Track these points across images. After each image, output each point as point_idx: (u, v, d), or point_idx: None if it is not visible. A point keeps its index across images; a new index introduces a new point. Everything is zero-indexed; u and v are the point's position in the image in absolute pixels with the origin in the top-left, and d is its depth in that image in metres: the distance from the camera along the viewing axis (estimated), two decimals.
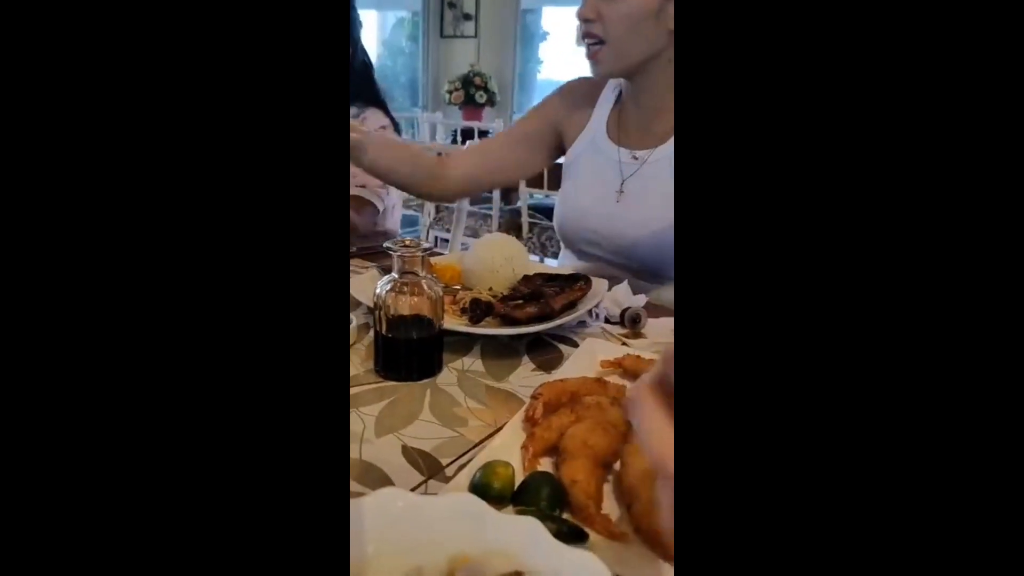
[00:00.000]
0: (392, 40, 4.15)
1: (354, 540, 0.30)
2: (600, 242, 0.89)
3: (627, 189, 0.86)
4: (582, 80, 0.94)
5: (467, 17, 3.69)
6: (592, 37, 0.79)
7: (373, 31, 4.06)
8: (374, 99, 1.21)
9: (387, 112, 1.21)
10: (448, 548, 0.29)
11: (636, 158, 0.85)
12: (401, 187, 0.96)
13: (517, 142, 0.97)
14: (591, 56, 0.81)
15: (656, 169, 0.84)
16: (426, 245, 0.55)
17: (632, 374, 0.54)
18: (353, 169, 1.12)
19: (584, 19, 0.79)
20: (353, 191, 1.16)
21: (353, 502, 0.30)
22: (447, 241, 2.31)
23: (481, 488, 0.36)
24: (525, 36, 3.90)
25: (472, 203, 2.75)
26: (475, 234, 2.60)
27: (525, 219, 2.71)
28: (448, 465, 0.42)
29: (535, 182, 2.71)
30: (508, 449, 0.42)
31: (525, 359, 0.60)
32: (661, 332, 0.69)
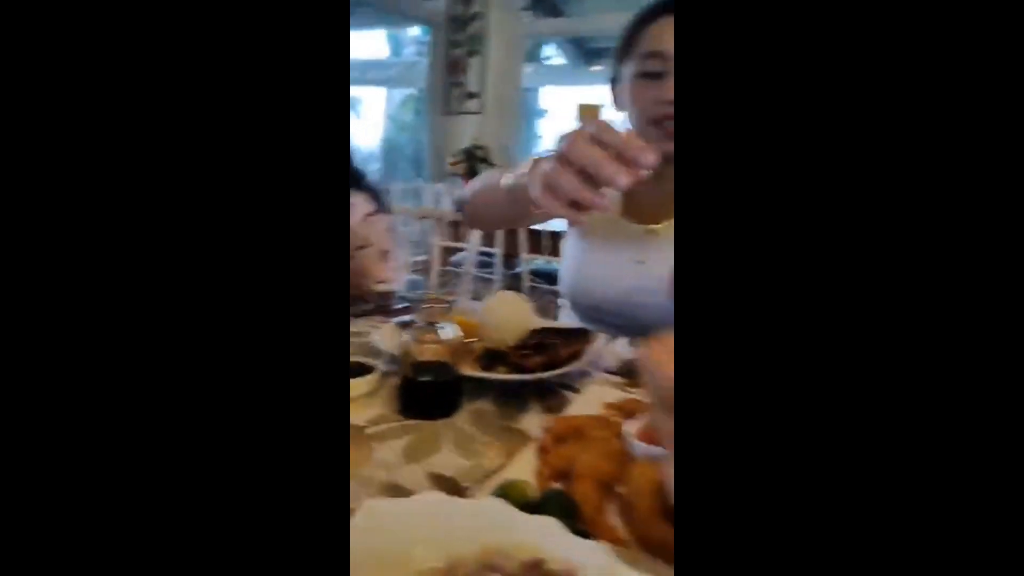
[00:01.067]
0: (399, 116, 4.40)
1: (396, 535, 0.35)
2: (616, 310, 0.93)
3: (648, 260, 0.89)
4: None
5: (471, 95, 3.93)
6: (672, 118, 0.84)
7: (381, 107, 4.31)
8: (357, 184, 1.17)
9: (374, 195, 1.19)
10: (479, 541, 0.35)
11: (652, 231, 0.90)
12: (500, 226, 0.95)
13: None
14: (670, 133, 0.85)
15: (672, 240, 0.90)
16: (449, 299, 0.63)
17: (631, 416, 0.61)
18: (355, 233, 1.16)
19: (671, 101, 0.83)
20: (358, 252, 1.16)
21: (394, 501, 0.36)
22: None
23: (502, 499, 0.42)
24: (525, 113, 4.14)
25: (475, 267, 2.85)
26: (478, 298, 2.68)
27: (526, 283, 2.80)
28: (469, 488, 0.48)
29: (535, 247, 2.82)
30: (523, 474, 0.48)
31: (533, 403, 0.66)
32: None
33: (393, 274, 1.22)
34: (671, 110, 0.83)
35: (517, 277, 2.87)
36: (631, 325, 0.93)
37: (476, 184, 0.84)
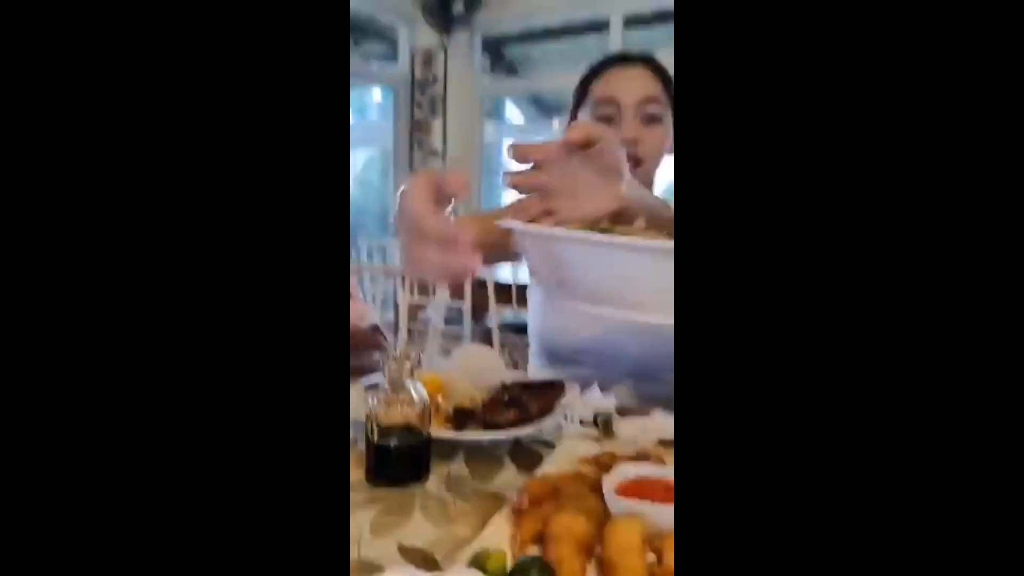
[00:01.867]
0: (365, 176, 4.44)
1: None
2: (589, 353, 0.94)
3: None
4: None
5: (433, 153, 4.00)
6: (632, 159, 0.87)
7: (351, 168, 4.37)
8: None
9: None
10: None
11: None
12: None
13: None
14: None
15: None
16: (414, 355, 0.61)
17: (607, 469, 0.59)
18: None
19: (627, 141, 0.87)
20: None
21: None
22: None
23: (476, 571, 0.39)
24: (487, 168, 4.22)
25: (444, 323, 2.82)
26: (447, 354, 2.64)
27: (497, 337, 2.78)
28: (442, 560, 0.45)
29: (504, 299, 2.82)
30: (498, 539, 0.45)
31: (507, 462, 0.64)
32: (632, 431, 0.74)
33: (364, 309, 1.22)
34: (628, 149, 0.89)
35: (487, 331, 2.85)
36: (607, 367, 0.93)
37: None
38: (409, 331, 2.72)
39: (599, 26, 3.45)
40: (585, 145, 0.51)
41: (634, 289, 0.37)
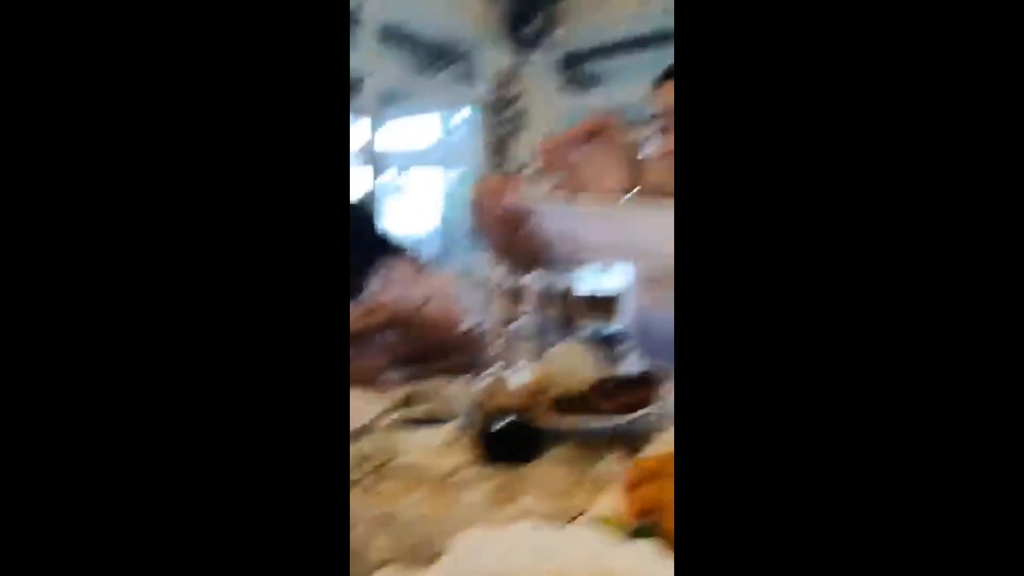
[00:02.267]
0: (455, 192, 4.62)
1: (496, 564, 0.36)
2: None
3: None
4: None
5: (518, 168, 4.11)
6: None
7: (439, 186, 4.57)
8: (398, 254, 1.21)
9: (415, 262, 1.21)
10: (584, 568, 0.35)
11: None
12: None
13: None
14: None
15: None
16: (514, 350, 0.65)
17: None
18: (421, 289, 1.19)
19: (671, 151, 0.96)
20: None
21: (491, 531, 0.37)
22: None
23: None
24: None
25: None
26: (539, 358, 2.67)
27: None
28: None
29: (591, 311, 2.83)
30: (607, 512, 0.48)
31: (614, 447, 0.66)
32: None
33: (469, 314, 1.22)
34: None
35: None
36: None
37: None
38: (501, 340, 2.79)
39: (668, 35, 3.42)
40: (594, 131, 0.69)
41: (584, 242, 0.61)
